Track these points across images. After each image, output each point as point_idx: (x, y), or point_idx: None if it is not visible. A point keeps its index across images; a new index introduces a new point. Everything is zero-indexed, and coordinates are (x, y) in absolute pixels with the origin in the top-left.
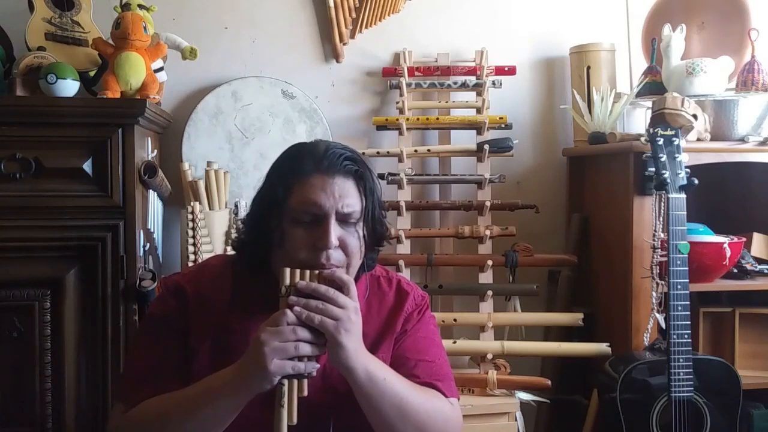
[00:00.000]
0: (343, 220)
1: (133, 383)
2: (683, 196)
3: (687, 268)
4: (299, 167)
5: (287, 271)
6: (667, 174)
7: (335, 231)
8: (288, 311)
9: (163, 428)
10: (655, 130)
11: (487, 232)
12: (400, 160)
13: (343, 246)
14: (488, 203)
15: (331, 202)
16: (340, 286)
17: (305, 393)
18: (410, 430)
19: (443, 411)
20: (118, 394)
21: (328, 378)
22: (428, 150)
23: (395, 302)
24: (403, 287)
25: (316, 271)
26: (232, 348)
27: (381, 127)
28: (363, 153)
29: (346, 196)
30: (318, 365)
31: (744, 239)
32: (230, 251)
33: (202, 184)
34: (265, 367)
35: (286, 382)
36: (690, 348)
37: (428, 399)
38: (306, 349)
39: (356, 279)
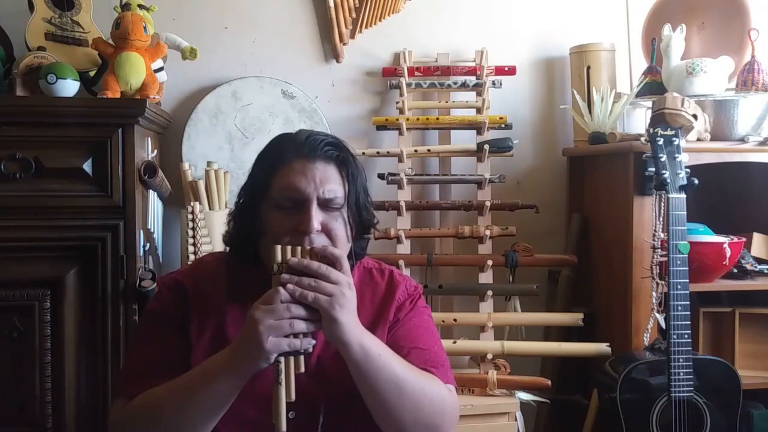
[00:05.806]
0: (326, 205)
1: (132, 377)
2: (683, 196)
3: (687, 268)
4: (280, 154)
5: (278, 248)
6: (667, 174)
7: (317, 216)
8: (281, 289)
9: (159, 417)
10: (655, 130)
11: (487, 232)
12: (400, 160)
13: (327, 231)
14: (488, 203)
15: (312, 187)
16: (333, 262)
17: (302, 369)
18: (406, 409)
19: (440, 393)
20: (118, 389)
21: (319, 366)
22: (428, 150)
23: (387, 292)
24: (395, 278)
25: (308, 247)
26: (229, 342)
27: (381, 127)
28: (363, 153)
29: (327, 181)
30: (314, 341)
31: (744, 239)
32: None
33: (202, 184)
34: (260, 345)
35: (282, 359)
36: (690, 348)
37: (425, 380)
38: (301, 326)
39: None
